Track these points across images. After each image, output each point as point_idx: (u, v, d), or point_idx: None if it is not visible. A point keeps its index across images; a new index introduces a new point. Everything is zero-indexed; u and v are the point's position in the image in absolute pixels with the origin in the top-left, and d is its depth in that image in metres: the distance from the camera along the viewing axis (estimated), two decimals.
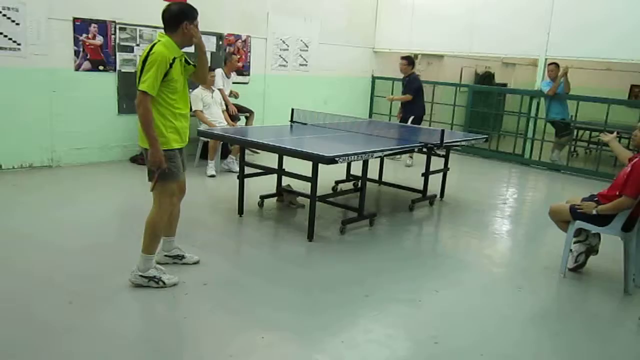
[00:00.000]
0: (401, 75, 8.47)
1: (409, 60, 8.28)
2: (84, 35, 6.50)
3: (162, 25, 3.35)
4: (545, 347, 3.15)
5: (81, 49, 6.51)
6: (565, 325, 3.48)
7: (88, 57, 6.57)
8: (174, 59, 3.25)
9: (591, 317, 3.62)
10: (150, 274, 3.44)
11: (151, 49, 3.22)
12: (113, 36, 6.72)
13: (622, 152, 4.26)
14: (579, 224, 4.03)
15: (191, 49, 3.43)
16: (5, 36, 5.91)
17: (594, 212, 3.91)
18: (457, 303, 3.64)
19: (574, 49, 8.23)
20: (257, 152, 7.40)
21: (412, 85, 8.18)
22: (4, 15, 5.87)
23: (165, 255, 3.82)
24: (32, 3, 6.03)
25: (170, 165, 3.35)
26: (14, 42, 5.99)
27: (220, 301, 3.42)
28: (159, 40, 3.27)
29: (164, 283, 3.47)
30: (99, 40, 6.63)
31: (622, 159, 4.20)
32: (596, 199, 4.07)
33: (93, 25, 6.55)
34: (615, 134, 4.40)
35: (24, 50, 6.07)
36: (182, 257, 3.87)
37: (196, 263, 3.88)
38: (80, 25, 6.45)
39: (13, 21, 5.94)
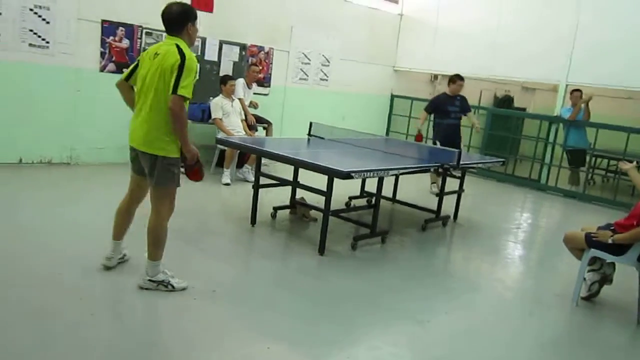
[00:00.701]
0: (422, 95, 8.41)
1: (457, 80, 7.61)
2: (111, 37, 6.63)
3: None
4: None
5: (107, 51, 6.63)
6: (575, 354, 3.42)
7: (113, 59, 6.69)
8: None
9: (603, 347, 3.55)
10: (159, 278, 3.48)
11: (181, 54, 3.18)
12: (139, 40, 6.84)
13: None
14: (593, 252, 3.98)
15: None
16: (35, 33, 6.05)
17: (610, 240, 3.86)
18: (466, 326, 3.60)
19: (595, 75, 8.19)
20: (267, 165, 7.42)
21: (468, 102, 7.66)
22: (35, 13, 6.01)
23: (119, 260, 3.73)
24: (63, 2, 6.18)
25: (175, 170, 3.38)
26: (43, 39, 6.12)
27: (228, 309, 3.42)
28: (176, 44, 3.23)
29: (172, 287, 3.49)
30: (125, 43, 6.75)
31: None
32: (612, 227, 4.02)
33: (120, 28, 6.67)
34: (635, 163, 4.35)
35: (52, 48, 6.20)
36: (124, 256, 3.80)
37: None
38: (108, 28, 6.58)
39: (43, 19, 6.08)
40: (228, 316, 3.32)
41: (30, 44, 6.05)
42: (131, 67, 3.49)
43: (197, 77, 3.32)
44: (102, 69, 6.63)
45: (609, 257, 3.97)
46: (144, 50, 6.81)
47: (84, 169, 6.51)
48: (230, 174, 6.78)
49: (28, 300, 3.19)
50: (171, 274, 3.56)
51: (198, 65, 3.30)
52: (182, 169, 3.44)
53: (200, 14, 7.22)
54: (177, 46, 3.22)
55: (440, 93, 7.69)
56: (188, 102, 3.29)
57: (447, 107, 7.46)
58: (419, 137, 7.41)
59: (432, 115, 7.62)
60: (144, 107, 3.31)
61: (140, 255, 3.63)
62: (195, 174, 3.51)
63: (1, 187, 5.45)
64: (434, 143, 7.52)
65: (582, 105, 8.21)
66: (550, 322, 3.88)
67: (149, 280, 3.47)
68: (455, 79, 7.52)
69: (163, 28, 3.34)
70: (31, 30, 6.02)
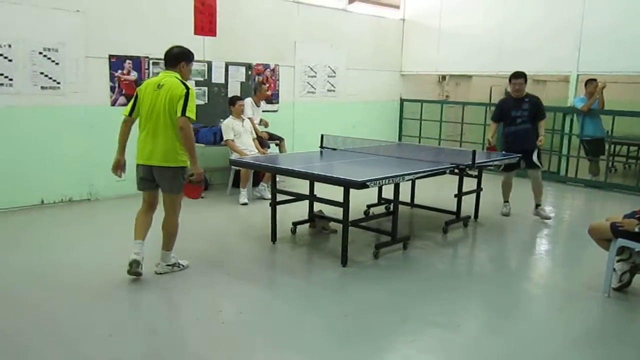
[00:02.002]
0: (431, 97, 8.25)
1: (526, 78, 6.41)
2: (119, 71, 6.74)
3: (195, 58, 4.21)
4: None
5: (116, 85, 6.74)
6: (612, 347, 3.34)
7: (123, 92, 6.79)
8: None
9: (638, 338, 3.47)
10: (172, 262, 4.24)
11: (185, 85, 3.94)
12: (147, 71, 6.95)
13: None
14: (621, 241, 3.90)
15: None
16: (46, 76, 6.18)
17: (636, 229, 3.78)
18: (497, 326, 3.55)
19: (606, 63, 8.07)
20: (283, 180, 7.45)
21: (542, 107, 6.44)
22: (45, 56, 6.14)
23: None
24: (71, 43, 6.31)
25: (185, 177, 4.04)
26: (54, 81, 6.25)
27: (256, 330, 3.42)
28: (176, 77, 4.00)
29: (183, 266, 4.30)
30: (134, 75, 6.86)
31: None
32: (638, 215, 3.94)
33: (128, 61, 6.79)
34: None
35: (63, 88, 6.33)
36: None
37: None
38: (116, 62, 6.70)
39: (53, 61, 6.21)
40: (256, 338, 3.32)
41: (42, 87, 6.17)
42: (132, 102, 4.18)
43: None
44: (113, 103, 6.74)
45: (637, 246, 3.89)
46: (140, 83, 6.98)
47: (104, 204, 6.60)
48: (247, 193, 6.82)
49: (59, 337, 3.24)
50: (177, 256, 4.30)
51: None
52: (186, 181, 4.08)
53: (205, 39, 7.42)
54: (178, 79, 3.99)
55: (505, 95, 6.68)
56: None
57: (510, 112, 6.31)
58: (491, 149, 6.59)
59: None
60: (156, 129, 3.97)
61: (165, 282, 3.65)
62: (196, 191, 4.18)
63: (25, 229, 5.54)
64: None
65: (598, 95, 8.11)
66: (583, 315, 3.80)
67: (166, 265, 4.19)
68: (511, 78, 6.33)
69: None
70: (42, 73, 6.15)
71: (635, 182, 8.07)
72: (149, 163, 4.03)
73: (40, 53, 6.12)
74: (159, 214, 4.21)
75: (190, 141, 3.93)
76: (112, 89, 6.72)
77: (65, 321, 3.44)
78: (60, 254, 4.74)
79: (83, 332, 3.31)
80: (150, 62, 6.95)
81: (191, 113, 3.88)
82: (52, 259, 4.59)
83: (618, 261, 4.09)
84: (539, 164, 6.34)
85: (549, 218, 6.23)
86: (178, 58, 4.09)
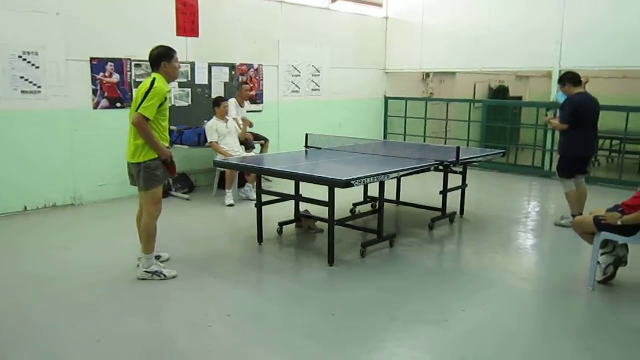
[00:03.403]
0: (415, 94, 8.23)
1: (568, 80, 5.90)
2: (101, 74, 6.67)
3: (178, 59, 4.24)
4: None
5: (99, 88, 6.67)
6: (597, 340, 3.38)
7: (106, 95, 6.72)
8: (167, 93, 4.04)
9: (624, 331, 3.50)
10: (153, 269, 4.11)
11: (152, 83, 3.94)
12: (129, 73, 6.88)
13: None
14: (604, 235, 3.95)
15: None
16: (27, 80, 6.09)
17: (619, 222, 3.83)
18: (485, 322, 3.57)
19: (588, 58, 8.16)
20: (270, 180, 7.44)
21: (565, 110, 5.71)
22: (24, 59, 6.05)
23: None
24: (51, 46, 6.23)
25: (156, 172, 4.03)
26: (35, 85, 6.16)
27: (244, 332, 3.40)
28: (154, 77, 4.01)
29: (165, 276, 4.11)
30: (116, 78, 6.79)
31: None
32: (621, 209, 3.98)
33: (110, 63, 6.71)
34: None
35: (44, 92, 6.24)
36: (159, 257, 4.39)
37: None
38: (98, 65, 6.62)
39: (33, 65, 6.12)
40: (245, 341, 3.30)
41: (22, 91, 6.07)
42: None
43: (169, 103, 4.15)
44: (96, 107, 6.66)
45: (620, 239, 3.94)
46: (135, 82, 6.93)
47: (89, 209, 6.52)
48: (233, 194, 6.78)
49: (43, 344, 3.20)
50: (163, 265, 4.23)
51: (170, 93, 4.11)
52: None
53: (188, 40, 7.37)
54: (154, 78, 4.00)
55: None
56: (165, 124, 4.09)
57: None
58: None
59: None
60: (130, 127, 4.04)
61: (151, 287, 3.61)
62: (171, 170, 4.18)
63: (7, 236, 5.46)
64: None
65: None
66: (569, 309, 3.84)
67: (145, 271, 4.09)
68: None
69: None
70: (22, 77, 6.05)
71: (618, 175, 8.16)
72: (127, 160, 4.15)
73: (20, 57, 6.02)
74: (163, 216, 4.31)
75: (146, 135, 3.91)
76: (95, 92, 6.64)
77: (52, 328, 3.40)
78: (45, 260, 4.67)
79: (70, 339, 3.27)
80: (133, 64, 6.89)
81: (145, 110, 3.86)
82: (36, 265, 4.53)
83: (602, 254, 4.14)
84: (558, 173, 5.90)
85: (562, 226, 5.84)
86: (157, 60, 4.09)
